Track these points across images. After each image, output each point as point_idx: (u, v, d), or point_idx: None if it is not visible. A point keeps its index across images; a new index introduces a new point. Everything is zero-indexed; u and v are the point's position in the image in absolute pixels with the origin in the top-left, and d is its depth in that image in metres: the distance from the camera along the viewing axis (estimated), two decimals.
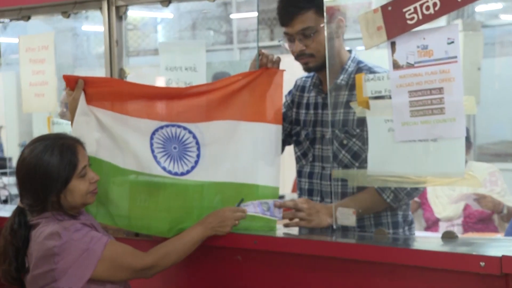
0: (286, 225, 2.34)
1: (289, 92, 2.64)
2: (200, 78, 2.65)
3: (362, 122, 2.29)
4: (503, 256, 1.80)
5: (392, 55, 2.01)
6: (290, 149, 2.65)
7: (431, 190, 4.03)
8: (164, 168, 2.34)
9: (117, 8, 2.81)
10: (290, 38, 2.38)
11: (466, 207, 3.95)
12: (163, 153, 2.35)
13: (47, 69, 3.03)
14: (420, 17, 1.93)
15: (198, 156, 2.36)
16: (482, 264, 1.82)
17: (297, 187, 2.60)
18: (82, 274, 1.99)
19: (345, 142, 2.37)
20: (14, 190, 3.72)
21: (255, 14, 2.52)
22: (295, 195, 4.49)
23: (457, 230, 3.76)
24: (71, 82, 2.33)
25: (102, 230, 2.22)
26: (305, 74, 2.59)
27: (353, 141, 2.36)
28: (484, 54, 5.44)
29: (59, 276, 1.98)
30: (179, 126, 2.36)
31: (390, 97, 2.04)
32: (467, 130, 3.94)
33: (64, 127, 3.00)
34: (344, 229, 2.26)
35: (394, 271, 2.01)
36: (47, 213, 2.07)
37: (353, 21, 2.31)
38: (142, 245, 2.23)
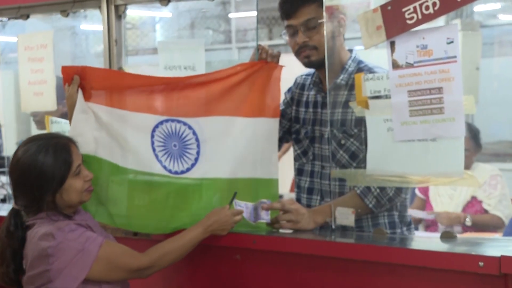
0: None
1: (289, 90, 2.64)
2: None
3: (360, 122, 2.29)
4: (502, 256, 1.80)
5: (392, 55, 2.01)
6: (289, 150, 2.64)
7: (433, 188, 4.03)
8: (164, 167, 2.34)
9: (116, 7, 2.80)
10: (294, 31, 2.37)
11: (465, 208, 3.95)
12: (164, 151, 2.35)
13: (46, 68, 3.02)
14: (420, 16, 1.93)
15: (198, 153, 2.36)
16: (481, 264, 1.82)
17: (295, 185, 2.59)
18: (77, 275, 1.99)
19: (343, 142, 2.37)
20: None
21: (254, 13, 2.52)
22: (293, 195, 4.49)
23: (456, 230, 3.76)
24: (69, 76, 2.30)
25: (100, 229, 2.21)
26: (305, 72, 2.59)
27: (351, 141, 2.36)
28: (483, 54, 5.44)
29: (54, 277, 1.98)
30: (179, 121, 2.35)
31: (389, 97, 2.04)
32: (478, 133, 3.97)
33: (63, 126, 3.00)
34: (343, 229, 2.26)
35: (393, 271, 2.01)
36: (42, 214, 2.06)
37: (352, 21, 2.31)
38: (140, 245, 2.23)
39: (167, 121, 2.34)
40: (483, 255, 1.84)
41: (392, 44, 2.00)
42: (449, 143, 1.96)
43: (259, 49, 2.42)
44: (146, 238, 2.43)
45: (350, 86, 2.35)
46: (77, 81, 2.30)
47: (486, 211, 3.90)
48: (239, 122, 2.38)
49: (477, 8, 6.11)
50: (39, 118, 3.55)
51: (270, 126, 2.41)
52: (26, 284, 2.05)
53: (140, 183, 2.36)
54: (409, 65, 1.98)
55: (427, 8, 1.91)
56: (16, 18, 3.07)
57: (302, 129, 2.54)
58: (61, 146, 2.08)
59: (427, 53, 1.95)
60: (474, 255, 1.85)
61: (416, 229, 3.70)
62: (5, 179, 4.87)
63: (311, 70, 2.54)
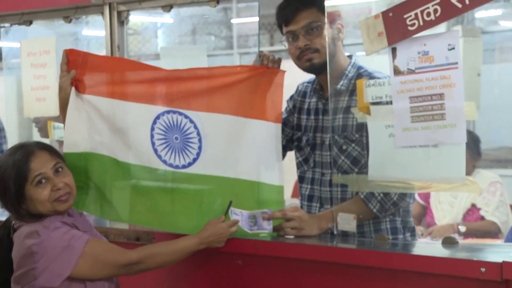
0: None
1: (291, 97, 2.65)
2: None
3: (361, 127, 2.29)
4: (503, 262, 1.80)
5: (393, 61, 2.01)
6: (289, 154, 2.65)
7: (434, 194, 4.04)
8: (165, 162, 2.31)
9: (119, 13, 2.82)
10: (293, 36, 2.38)
11: (465, 217, 3.95)
12: (164, 145, 2.31)
13: (48, 74, 3.04)
14: (421, 23, 1.94)
15: (199, 148, 2.34)
16: (483, 270, 1.82)
17: (299, 193, 2.60)
18: (61, 271, 1.98)
19: (344, 147, 2.37)
20: None
21: (256, 19, 2.53)
22: (294, 200, 4.49)
23: (457, 236, 3.76)
24: (71, 58, 2.23)
25: (95, 232, 2.21)
26: (306, 79, 2.59)
27: (352, 147, 2.36)
28: (484, 60, 5.44)
29: (38, 274, 1.98)
30: (180, 114, 2.32)
31: (391, 103, 2.05)
32: (478, 142, 3.98)
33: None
34: (344, 235, 2.27)
35: (395, 276, 2.01)
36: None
37: (354, 27, 2.32)
38: None
39: (168, 112, 2.31)
40: (485, 261, 1.84)
41: (394, 50, 2.01)
42: (451, 149, 1.97)
43: (260, 55, 2.43)
44: (148, 244, 2.43)
45: (351, 92, 2.36)
46: (72, 75, 2.23)
47: (482, 218, 3.91)
48: (240, 122, 2.38)
49: (479, 14, 6.12)
50: (41, 125, 3.56)
51: (272, 131, 2.41)
52: (14, 283, 2.05)
53: (141, 178, 2.33)
54: (411, 71, 1.99)
55: (428, 14, 1.92)
56: (19, 24, 3.08)
57: (304, 137, 2.54)
58: (22, 155, 2.04)
59: (428, 59, 1.96)
60: (475, 261, 1.85)
61: None
62: None
63: (312, 78, 2.55)
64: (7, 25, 3.20)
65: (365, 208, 2.29)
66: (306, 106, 2.57)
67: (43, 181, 2.03)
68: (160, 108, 2.31)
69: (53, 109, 3.05)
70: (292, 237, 2.27)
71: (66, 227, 2.03)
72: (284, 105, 2.56)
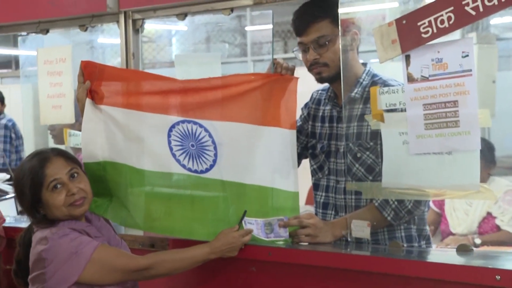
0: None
1: (306, 105, 2.65)
2: None
3: (375, 135, 2.29)
4: None
5: (407, 68, 2.01)
6: (303, 161, 2.65)
7: (449, 202, 4.01)
8: (184, 166, 2.33)
9: (134, 21, 2.84)
10: (305, 48, 2.39)
11: (480, 225, 3.93)
12: (182, 151, 2.34)
13: (64, 81, 3.07)
14: (435, 30, 1.94)
15: (215, 155, 2.35)
16: (498, 277, 1.81)
17: (314, 200, 2.60)
18: (68, 276, 2.01)
19: (358, 155, 2.37)
20: None
21: (269, 26, 2.54)
22: (308, 207, 4.49)
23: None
24: (87, 70, 2.29)
25: (114, 235, 2.23)
26: (320, 87, 2.60)
27: (367, 154, 2.36)
28: (499, 67, 5.41)
29: (48, 278, 2.02)
30: (195, 123, 2.34)
31: (404, 110, 2.04)
32: (493, 149, 3.95)
33: (80, 138, 3.03)
34: (358, 242, 2.26)
35: (409, 283, 2.00)
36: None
37: (367, 34, 2.32)
38: None
39: (183, 122, 2.34)
40: (500, 269, 1.83)
41: (407, 58, 2.01)
42: (465, 156, 1.96)
43: (274, 63, 2.44)
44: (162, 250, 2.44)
45: (365, 100, 2.35)
46: (87, 86, 2.28)
47: (498, 227, 3.88)
48: (255, 130, 2.38)
49: (493, 21, 6.09)
50: (56, 133, 3.60)
51: (286, 137, 2.42)
52: (30, 283, 2.10)
53: (159, 185, 2.35)
54: (424, 79, 1.99)
55: (442, 22, 1.92)
56: (36, 32, 3.12)
57: (318, 144, 2.54)
58: (39, 161, 2.08)
59: (442, 66, 1.96)
60: (490, 269, 1.85)
61: None
62: None
63: (327, 85, 2.55)
64: (24, 33, 3.24)
65: (379, 215, 2.29)
66: (320, 114, 2.57)
67: (59, 186, 2.07)
68: (175, 118, 2.34)
69: (69, 117, 3.08)
70: (306, 244, 2.28)
71: (75, 234, 2.06)
72: (299, 113, 2.57)
